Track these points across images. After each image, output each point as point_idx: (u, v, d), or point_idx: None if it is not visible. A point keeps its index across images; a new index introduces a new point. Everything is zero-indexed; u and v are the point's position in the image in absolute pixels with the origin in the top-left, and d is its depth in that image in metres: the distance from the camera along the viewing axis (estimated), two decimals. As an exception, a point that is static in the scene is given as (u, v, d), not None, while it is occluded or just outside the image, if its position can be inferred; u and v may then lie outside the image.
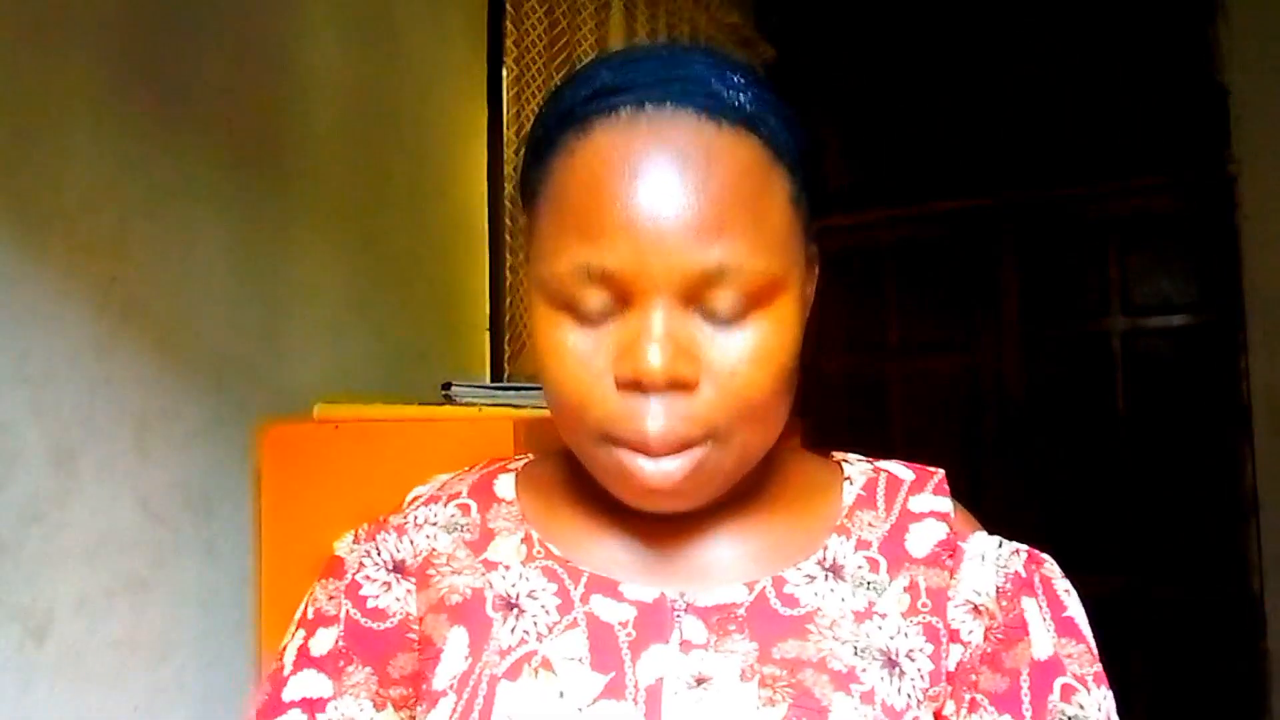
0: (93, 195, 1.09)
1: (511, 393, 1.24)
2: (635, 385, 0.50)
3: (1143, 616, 2.48)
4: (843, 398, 2.95)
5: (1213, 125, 2.51)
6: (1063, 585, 0.59)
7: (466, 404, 1.23)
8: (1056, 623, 0.57)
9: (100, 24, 1.10)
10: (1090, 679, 0.55)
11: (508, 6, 1.75)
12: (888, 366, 2.96)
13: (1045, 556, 0.61)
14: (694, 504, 0.54)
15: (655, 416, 0.50)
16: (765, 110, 0.52)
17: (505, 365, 1.75)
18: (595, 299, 0.51)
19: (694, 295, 0.50)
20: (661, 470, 0.51)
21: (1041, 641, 0.56)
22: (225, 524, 1.24)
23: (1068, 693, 0.54)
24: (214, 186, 1.25)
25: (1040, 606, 0.57)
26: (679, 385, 0.50)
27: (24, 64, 1.02)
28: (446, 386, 1.26)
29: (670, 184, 0.49)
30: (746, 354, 0.51)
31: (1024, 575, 0.58)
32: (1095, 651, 0.57)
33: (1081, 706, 0.54)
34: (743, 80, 0.52)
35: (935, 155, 2.87)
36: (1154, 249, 2.66)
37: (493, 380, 1.75)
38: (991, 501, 2.50)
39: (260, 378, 1.31)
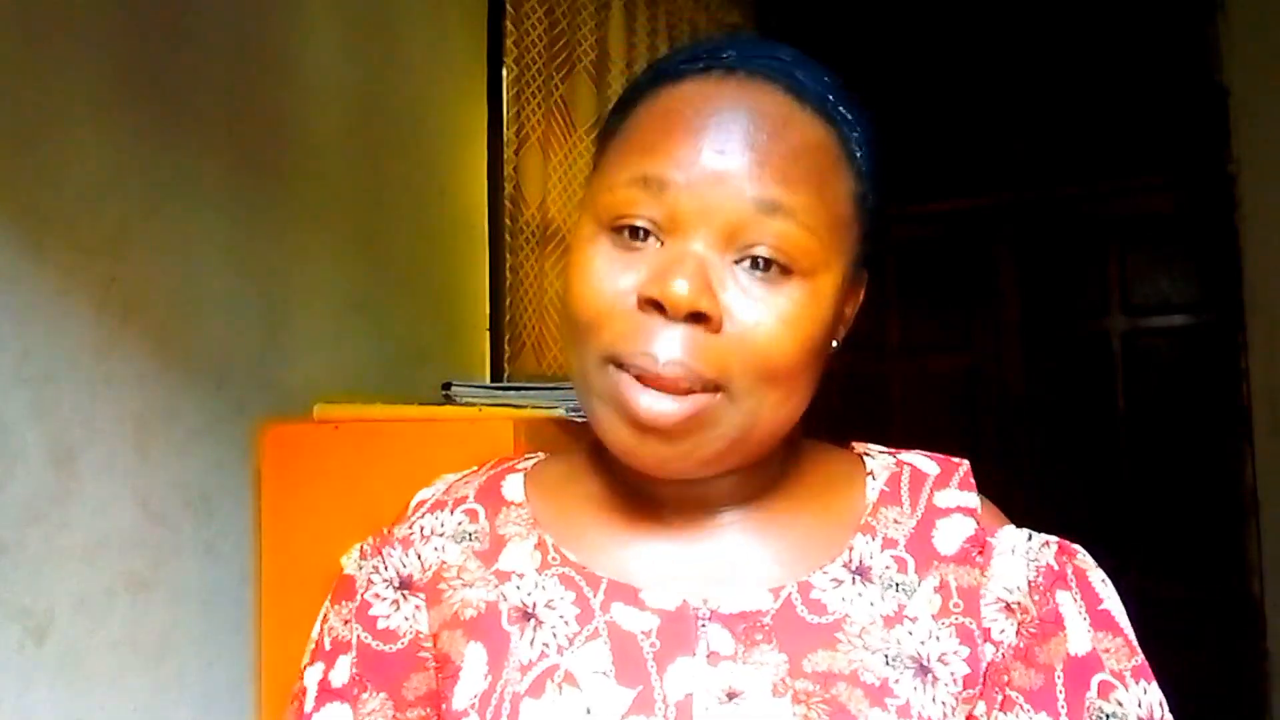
0: (93, 195, 1.09)
1: (511, 393, 1.24)
2: (656, 307, 0.49)
3: (1142, 616, 2.47)
4: (843, 398, 2.95)
5: (1212, 125, 2.51)
6: (1098, 576, 0.58)
7: (466, 404, 1.23)
8: (1092, 616, 0.55)
9: (101, 25, 1.10)
10: (1129, 674, 0.53)
11: (508, 6, 1.75)
12: (888, 366, 2.96)
13: (1077, 548, 0.59)
14: (693, 465, 0.52)
15: (669, 342, 0.49)
16: (846, 111, 0.54)
17: (505, 365, 1.75)
18: (643, 211, 0.51)
19: (738, 233, 0.50)
20: (658, 407, 0.49)
21: (1078, 636, 0.54)
22: (225, 524, 1.24)
23: (1105, 690, 0.52)
24: (214, 186, 1.25)
25: (1075, 600, 0.55)
26: (700, 318, 0.49)
27: (24, 64, 1.02)
28: (446, 386, 1.26)
29: (744, 132, 0.50)
30: (775, 311, 0.50)
31: (1056, 568, 0.57)
32: (1134, 644, 0.55)
33: (1120, 704, 0.52)
34: (831, 81, 0.55)
35: (935, 155, 2.87)
36: (1154, 249, 2.66)
37: (493, 380, 1.75)
38: (991, 501, 2.48)
39: (260, 378, 1.31)
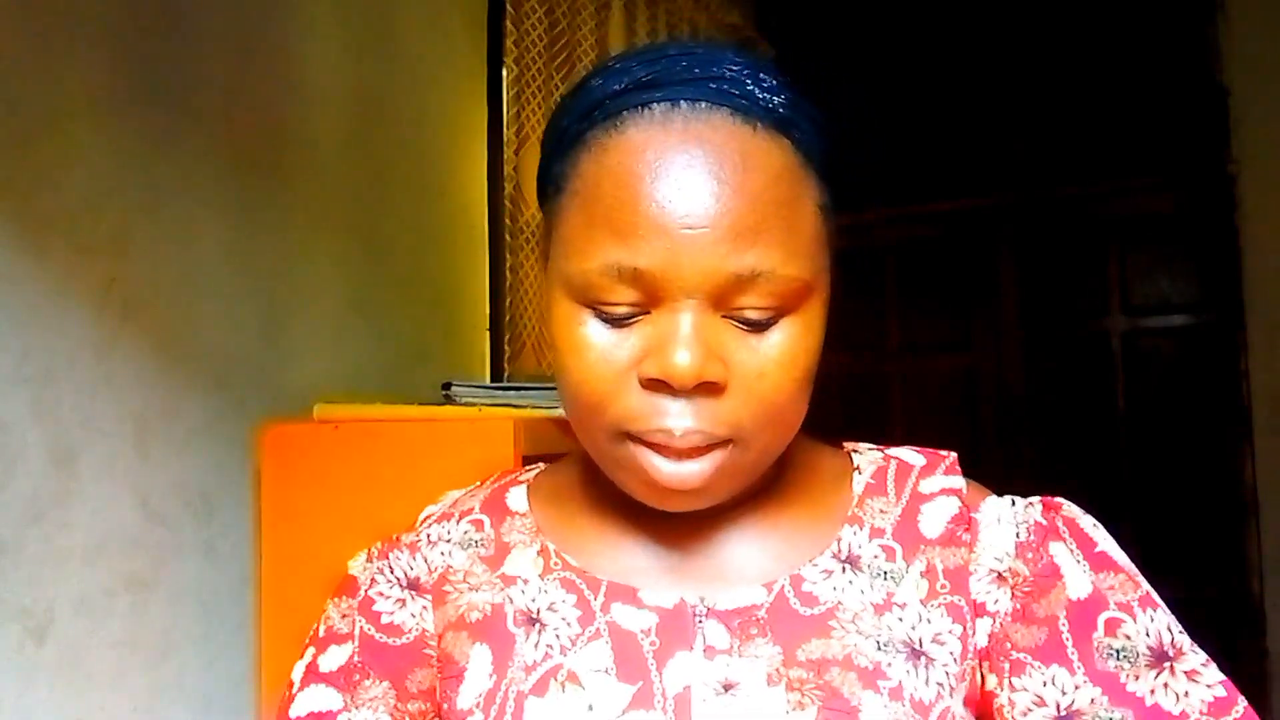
0: (93, 195, 1.09)
1: (511, 393, 1.23)
2: (662, 386, 0.49)
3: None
4: (843, 397, 2.95)
5: (1212, 125, 2.51)
6: (1088, 522, 0.59)
7: (466, 404, 1.23)
8: (1090, 560, 0.56)
9: (101, 24, 1.10)
10: (1135, 604, 0.54)
11: (508, 6, 1.75)
12: (888, 366, 2.96)
13: (1061, 500, 0.61)
14: (709, 503, 0.54)
15: (680, 415, 0.50)
16: (797, 114, 0.52)
17: (505, 365, 1.75)
18: (624, 297, 0.50)
19: (724, 299, 0.49)
20: (680, 473, 0.51)
21: (1076, 581, 0.55)
22: (225, 524, 1.24)
23: (1113, 626, 0.53)
24: (214, 186, 1.25)
25: (1070, 549, 0.56)
26: (707, 388, 0.49)
27: (24, 64, 1.02)
28: (446, 386, 1.26)
29: (706, 186, 0.48)
30: (773, 357, 0.50)
31: (1045, 523, 0.58)
32: (1137, 577, 0.56)
33: (1128, 637, 0.53)
34: (776, 83, 0.52)
35: (935, 155, 2.87)
36: (1154, 249, 2.66)
37: (493, 380, 1.75)
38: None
39: (260, 378, 1.31)
